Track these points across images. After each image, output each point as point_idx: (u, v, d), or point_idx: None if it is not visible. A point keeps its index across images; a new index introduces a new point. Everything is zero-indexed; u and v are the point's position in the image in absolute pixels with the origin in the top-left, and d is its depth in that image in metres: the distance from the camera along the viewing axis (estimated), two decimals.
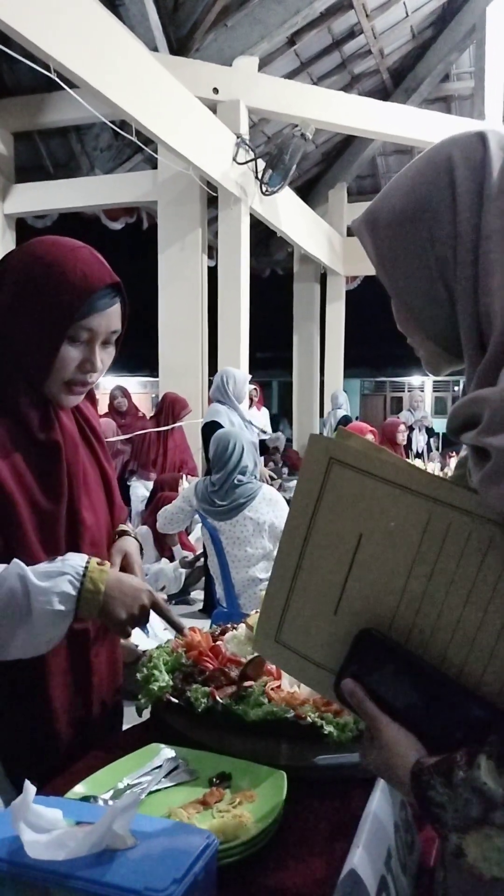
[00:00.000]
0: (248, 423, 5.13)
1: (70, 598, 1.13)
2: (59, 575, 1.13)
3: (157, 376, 6.87)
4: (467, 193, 0.75)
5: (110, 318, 1.25)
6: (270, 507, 3.28)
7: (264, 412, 9.70)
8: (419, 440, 9.17)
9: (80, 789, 1.09)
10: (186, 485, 4.92)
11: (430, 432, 9.43)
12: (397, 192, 0.81)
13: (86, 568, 1.16)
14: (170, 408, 6.27)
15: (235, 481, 3.25)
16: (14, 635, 1.11)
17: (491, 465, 0.65)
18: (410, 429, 8.96)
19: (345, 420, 8.99)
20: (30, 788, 0.81)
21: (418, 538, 0.75)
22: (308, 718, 1.20)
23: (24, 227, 7.46)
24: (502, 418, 0.65)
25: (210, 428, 4.46)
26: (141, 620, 1.22)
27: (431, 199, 0.77)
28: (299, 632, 0.85)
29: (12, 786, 1.25)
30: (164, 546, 5.45)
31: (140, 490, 6.15)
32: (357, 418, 8.76)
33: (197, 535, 5.32)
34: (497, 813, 0.63)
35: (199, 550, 5.12)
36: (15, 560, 1.14)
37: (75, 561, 1.17)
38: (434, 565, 0.74)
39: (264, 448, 9.05)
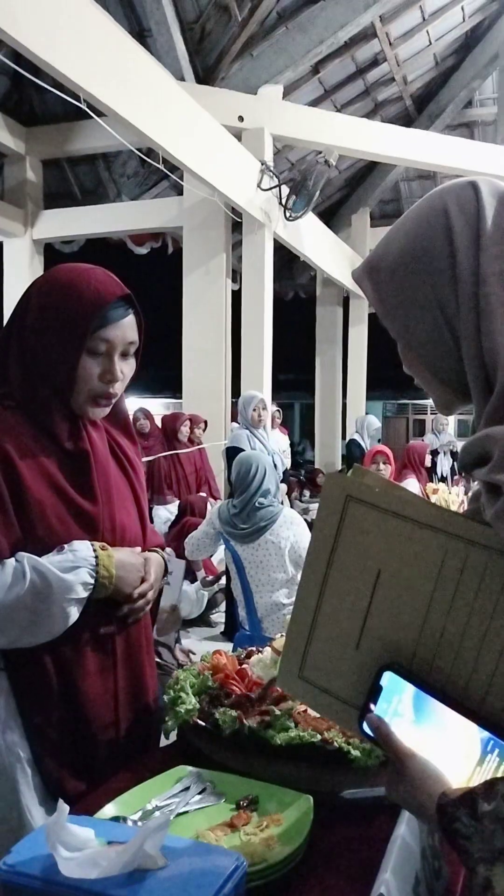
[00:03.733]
0: (271, 451, 5.14)
1: (88, 586, 1.28)
2: (75, 568, 1.25)
3: (180, 398, 6.92)
4: (464, 239, 0.78)
5: (125, 328, 1.32)
6: (291, 529, 3.28)
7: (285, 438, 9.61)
8: (444, 464, 9.10)
9: (109, 810, 1.10)
10: (210, 508, 4.94)
11: (455, 456, 9.37)
12: (396, 240, 0.84)
13: (96, 557, 1.29)
14: (164, 430, 6.45)
15: (257, 504, 3.27)
16: (36, 623, 1.23)
17: (502, 501, 0.66)
18: (435, 452, 8.89)
19: (350, 444, 8.88)
20: (63, 808, 0.83)
21: (436, 572, 0.75)
22: (335, 743, 1.20)
23: (51, 252, 7.60)
24: None
25: (233, 452, 4.49)
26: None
27: (430, 246, 0.80)
28: (322, 667, 0.85)
29: (48, 793, 1.28)
30: (188, 568, 5.46)
31: (162, 513, 6.17)
32: (378, 441, 8.67)
33: (219, 557, 5.32)
34: None
35: (221, 570, 5.12)
36: (25, 554, 1.23)
37: (84, 552, 1.28)
38: (452, 598, 0.74)
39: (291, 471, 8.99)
